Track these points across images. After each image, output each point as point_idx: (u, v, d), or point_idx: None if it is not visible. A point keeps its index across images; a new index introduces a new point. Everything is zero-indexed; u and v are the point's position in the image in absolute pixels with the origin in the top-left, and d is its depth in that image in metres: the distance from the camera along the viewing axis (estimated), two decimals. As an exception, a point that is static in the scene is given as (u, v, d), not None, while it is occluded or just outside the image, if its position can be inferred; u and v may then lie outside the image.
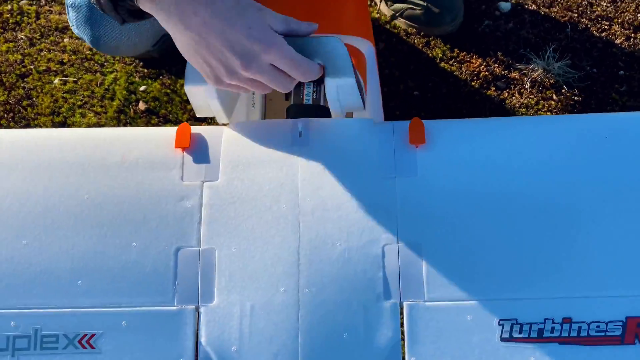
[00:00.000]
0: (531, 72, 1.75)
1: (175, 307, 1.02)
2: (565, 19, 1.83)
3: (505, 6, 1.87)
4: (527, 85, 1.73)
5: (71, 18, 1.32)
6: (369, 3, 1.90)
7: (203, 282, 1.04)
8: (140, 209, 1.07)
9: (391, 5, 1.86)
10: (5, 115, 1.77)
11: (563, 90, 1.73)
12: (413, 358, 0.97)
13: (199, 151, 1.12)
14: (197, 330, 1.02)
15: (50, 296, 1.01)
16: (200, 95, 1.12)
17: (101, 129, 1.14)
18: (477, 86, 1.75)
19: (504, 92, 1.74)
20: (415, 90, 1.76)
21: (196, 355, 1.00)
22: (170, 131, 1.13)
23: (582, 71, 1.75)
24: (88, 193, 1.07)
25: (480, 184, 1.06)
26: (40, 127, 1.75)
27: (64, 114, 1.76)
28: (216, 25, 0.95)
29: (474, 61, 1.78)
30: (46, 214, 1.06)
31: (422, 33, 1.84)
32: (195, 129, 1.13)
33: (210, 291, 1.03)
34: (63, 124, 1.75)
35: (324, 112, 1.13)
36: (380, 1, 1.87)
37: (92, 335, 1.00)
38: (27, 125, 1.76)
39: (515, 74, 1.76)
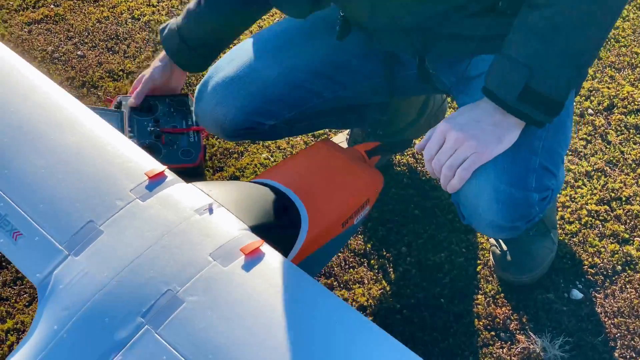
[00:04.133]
0: (532, 343, 1.94)
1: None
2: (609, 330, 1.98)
3: (576, 294, 2.06)
4: (517, 350, 1.93)
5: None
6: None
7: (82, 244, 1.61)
8: (94, 178, 1.69)
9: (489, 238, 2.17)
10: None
11: (538, 372, 1.91)
12: None
13: (155, 184, 1.68)
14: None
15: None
16: None
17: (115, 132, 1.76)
18: (481, 324, 2.00)
19: (499, 342, 1.96)
20: (439, 300, 2.07)
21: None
22: (155, 165, 1.71)
23: (572, 371, 1.90)
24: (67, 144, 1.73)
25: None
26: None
27: (244, 164, 2.42)
28: None
29: (502, 309, 2.03)
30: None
31: (493, 269, 2.12)
32: (170, 174, 1.69)
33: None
34: (236, 177, 2.40)
35: None
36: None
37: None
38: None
39: (521, 337, 1.97)
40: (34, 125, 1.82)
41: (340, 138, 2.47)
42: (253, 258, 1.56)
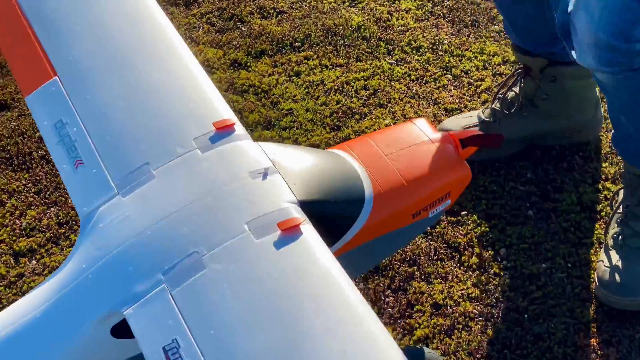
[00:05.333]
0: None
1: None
2: None
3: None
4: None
5: None
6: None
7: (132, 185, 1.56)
8: (164, 119, 1.66)
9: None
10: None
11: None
12: None
13: (220, 136, 1.60)
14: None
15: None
16: None
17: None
18: (560, 352, 1.78)
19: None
20: (523, 315, 1.87)
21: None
22: (228, 115, 1.62)
23: None
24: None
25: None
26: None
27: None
28: None
29: (591, 340, 1.80)
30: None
31: (594, 290, 1.89)
32: (240, 129, 1.60)
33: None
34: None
35: None
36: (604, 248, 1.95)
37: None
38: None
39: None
40: (128, 54, 1.78)
41: (470, 115, 2.28)
42: (288, 236, 1.44)
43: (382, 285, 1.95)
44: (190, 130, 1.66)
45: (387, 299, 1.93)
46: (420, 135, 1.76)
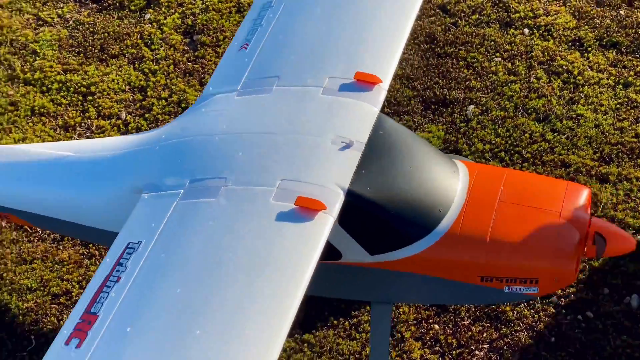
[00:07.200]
0: None
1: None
2: None
3: None
4: None
5: None
6: None
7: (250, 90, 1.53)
8: (328, 45, 1.64)
9: None
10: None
11: None
12: None
13: (353, 88, 1.52)
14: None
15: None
16: None
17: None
18: None
19: None
20: None
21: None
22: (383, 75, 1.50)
23: None
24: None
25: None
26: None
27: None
28: None
29: None
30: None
31: None
32: (379, 91, 1.48)
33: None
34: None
35: None
36: None
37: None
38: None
39: None
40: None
41: None
42: (299, 214, 1.32)
43: None
44: (334, 68, 1.56)
45: None
46: (555, 203, 1.42)
